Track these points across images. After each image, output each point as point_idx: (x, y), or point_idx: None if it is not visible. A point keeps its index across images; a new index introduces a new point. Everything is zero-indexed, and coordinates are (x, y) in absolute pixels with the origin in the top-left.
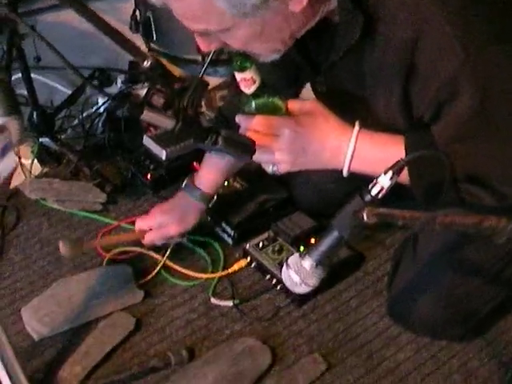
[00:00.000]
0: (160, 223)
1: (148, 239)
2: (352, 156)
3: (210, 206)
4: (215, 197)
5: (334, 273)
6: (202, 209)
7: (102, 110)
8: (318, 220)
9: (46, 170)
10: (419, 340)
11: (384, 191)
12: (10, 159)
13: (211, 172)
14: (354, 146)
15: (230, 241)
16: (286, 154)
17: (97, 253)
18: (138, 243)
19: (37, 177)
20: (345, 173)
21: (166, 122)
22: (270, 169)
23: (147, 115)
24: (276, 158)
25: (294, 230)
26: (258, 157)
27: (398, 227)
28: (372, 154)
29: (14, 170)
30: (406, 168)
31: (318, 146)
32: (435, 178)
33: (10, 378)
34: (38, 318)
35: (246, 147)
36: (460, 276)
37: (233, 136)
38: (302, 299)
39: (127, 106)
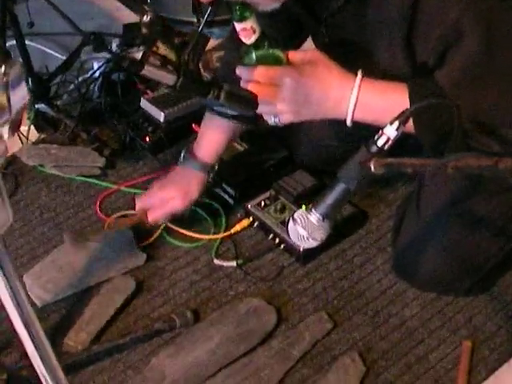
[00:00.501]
0: (162, 199)
1: (152, 217)
2: (355, 105)
3: (211, 176)
4: (216, 166)
5: (337, 231)
6: (203, 179)
7: (97, 74)
8: (319, 178)
9: (43, 136)
10: (425, 296)
11: (390, 142)
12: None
13: (211, 140)
14: (357, 95)
15: (231, 201)
16: (288, 104)
17: (98, 217)
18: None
19: (34, 143)
20: (348, 122)
21: (168, 77)
22: (272, 120)
23: (148, 70)
24: (278, 109)
25: (295, 189)
26: (259, 108)
27: (399, 183)
28: (375, 102)
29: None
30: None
31: (320, 96)
32: (442, 126)
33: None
34: (41, 285)
35: (249, 101)
36: (465, 230)
37: (235, 90)
38: (305, 258)
39: (126, 63)
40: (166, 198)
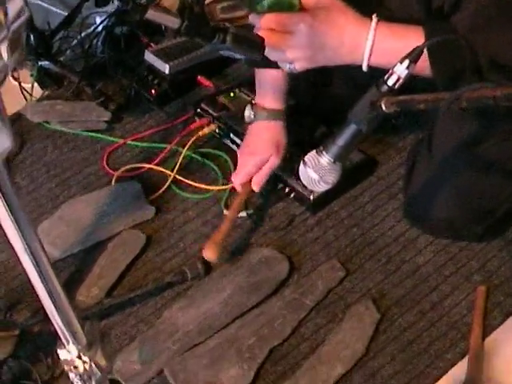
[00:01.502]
0: (257, 165)
1: (257, 186)
2: (371, 49)
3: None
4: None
5: (347, 178)
6: (282, 125)
7: (100, 29)
8: (327, 125)
9: (47, 92)
10: (437, 242)
11: (401, 81)
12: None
13: (273, 84)
14: (373, 39)
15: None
16: (303, 50)
17: (104, 172)
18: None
19: (38, 100)
20: (364, 67)
21: (172, 21)
22: (287, 67)
23: (152, 14)
24: (293, 56)
25: (303, 136)
26: (274, 56)
27: (409, 130)
28: (391, 46)
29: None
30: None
31: (336, 41)
32: (457, 65)
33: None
34: (49, 241)
35: (256, 44)
36: (477, 174)
37: (241, 33)
38: (316, 206)
39: (130, 6)
40: (260, 161)
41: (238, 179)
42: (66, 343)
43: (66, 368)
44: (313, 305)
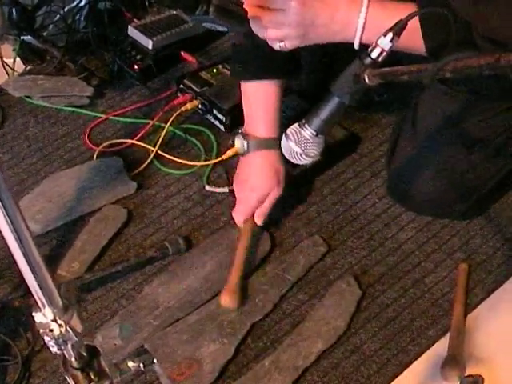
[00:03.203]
0: (259, 199)
1: (261, 220)
2: (363, 27)
3: None
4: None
5: (329, 154)
6: (279, 153)
7: (83, 3)
8: (310, 102)
9: (29, 67)
10: (420, 219)
11: (385, 54)
12: None
13: (266, 112)
14: (365, 16)
15: (222, 127)
16: (293, 28)
17: (86, 147)
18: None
19: (20, 75)
20: (356, 45)
21: None
22: (277, 45)
23: None
24: (284, 34)
25: (286, 112)
26: (264, 34)
27: (392, 107)
28: (384, 24)
29: None
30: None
31: (327, 18)
32: (449, 38)
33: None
34: (31, 216)
35: (239, 17)
36: (461, 151)
37: (225, 4)
38: (298, 182)
39: None
40: (263, 196)
41: (240, 216)
42: (41, 307)
43: (41, 332)
44: (294, 280)
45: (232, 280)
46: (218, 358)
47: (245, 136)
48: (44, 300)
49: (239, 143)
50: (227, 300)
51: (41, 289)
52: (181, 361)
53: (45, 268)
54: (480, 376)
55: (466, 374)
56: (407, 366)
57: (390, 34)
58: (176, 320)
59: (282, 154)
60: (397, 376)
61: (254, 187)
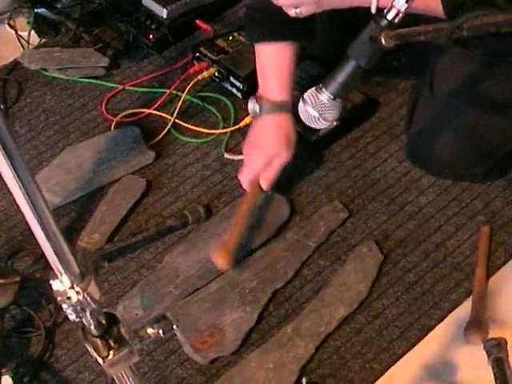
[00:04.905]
0: (266, 162)
1: (267, 183)
2: None
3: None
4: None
5: (348, 119)
6: (291, 117)
7: None
8: (327, 68)
9: (44, 40)
10: (440, 183)
11: (400, 15)
12: None
13: (279, 74)
14: None
15: (239, 95)
16: None
17: (104, 118)
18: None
19: (35, 48)
20: (373, 9)
21: None
22: (292, 12)
23: None
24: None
25: (303, 78)
26: (279, 0)
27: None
28: None
29: None
30: None
31: None
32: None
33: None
34: (49, 188)
35: None
36: (481, 113)
37: None
38: (317, 147)
39: None
40: (270, 157)
41: (245, 177)
42: (58, 274)
43: (59, 299)
44: (315, 246)
45: (227, 242)
46: (240, 326)
47: (257, 99)
48: (61, 267)
49: (251, 106)
50: (218, 261)
51: (57, 256)
52: (203, 329)
53: (60, 235)
54: (503, 339)
55: (488, 337)
56: (430, 329)
57: None
58: (197, 289)
59: (296, 120)
60: (420, 340)
61: (261, 149)
